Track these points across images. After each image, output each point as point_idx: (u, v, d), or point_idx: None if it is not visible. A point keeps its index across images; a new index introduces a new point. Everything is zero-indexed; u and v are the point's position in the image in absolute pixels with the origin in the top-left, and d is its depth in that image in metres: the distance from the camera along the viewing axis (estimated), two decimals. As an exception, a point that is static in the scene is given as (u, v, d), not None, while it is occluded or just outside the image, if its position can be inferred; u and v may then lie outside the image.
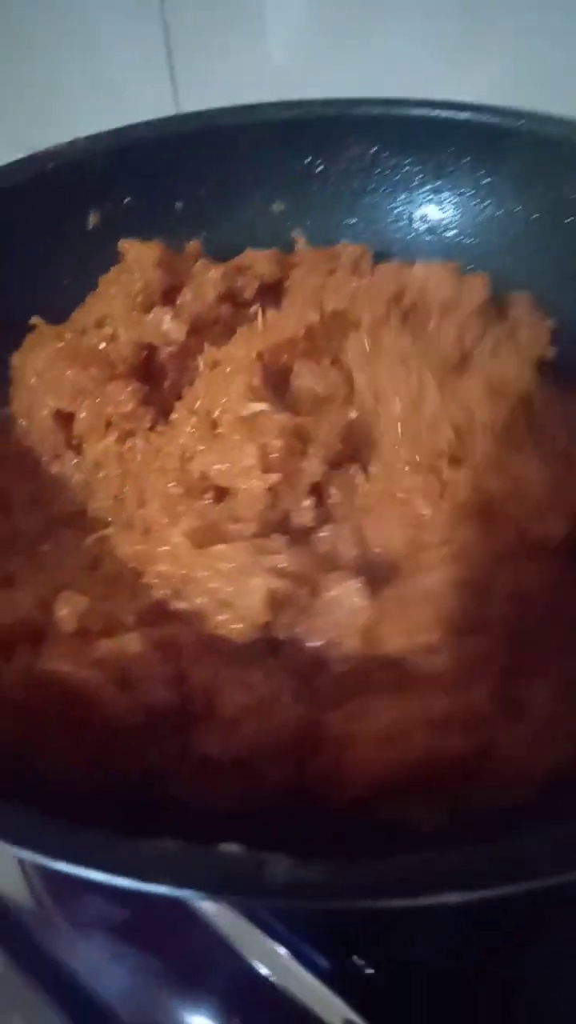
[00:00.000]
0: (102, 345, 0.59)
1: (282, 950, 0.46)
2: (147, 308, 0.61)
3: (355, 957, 0.45)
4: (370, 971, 0.44)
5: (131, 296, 0.61)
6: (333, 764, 0.38)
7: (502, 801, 0.37)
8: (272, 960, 0.46)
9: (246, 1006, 0.47)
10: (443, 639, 0.42)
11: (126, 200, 0.68)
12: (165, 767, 0.40)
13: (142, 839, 0.26)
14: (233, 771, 0.40)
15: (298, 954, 0.46)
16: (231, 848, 0.27)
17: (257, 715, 0.40)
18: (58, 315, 0.63)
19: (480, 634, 0.43)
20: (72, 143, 0.66)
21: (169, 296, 0.62)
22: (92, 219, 0.68)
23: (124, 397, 0.56)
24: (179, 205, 0.71)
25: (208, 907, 0.47)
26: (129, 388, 0.56)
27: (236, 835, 0.29)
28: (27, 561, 0.51)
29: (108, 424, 0.56)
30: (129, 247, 0.64)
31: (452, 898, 0.25)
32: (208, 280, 0.61)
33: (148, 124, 0.68)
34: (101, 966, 0.50)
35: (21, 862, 0.54)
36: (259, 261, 0.65)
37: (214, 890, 0.25)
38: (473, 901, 0.26)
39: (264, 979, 0.46)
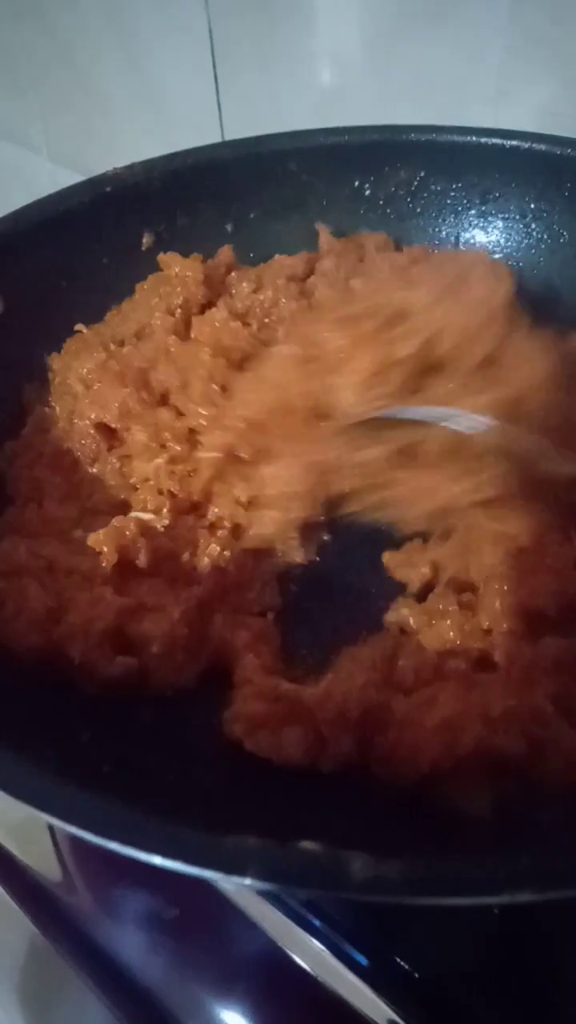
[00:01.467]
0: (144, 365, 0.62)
1: (321, 947, 0.47)
2: (186, 322, 0.65)
3: (398, 959, 0.46)
4: (416, 975, 0.45)
5: (171, 310, 0.65)
6: (392, 745, 0.40)
7: (554, 800, 0.38)
8: (312, 956, 0.47)
9: (284, 999, 0.48)
10: (517, 632, 0.44)
11: (179, 222, 0.71)
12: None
13: (226, 833, 0.27)
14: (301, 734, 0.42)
15: (337, 952, 0.47)
16: (310, 845, 0.28)
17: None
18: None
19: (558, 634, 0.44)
20: (129, 167, 0.68)
21: (205, 309, 0.66)
22: (146, 240, 0.70)
23: (178, 423, 0.59)
24: (229, 227, 0.73)
25: (247, 902, 0.49)
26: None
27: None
28: (62, 546, 0.53)
29: (163, 446, 0.58)
30: (171, 260, 0.67)
31: (525, 898, 0.26)
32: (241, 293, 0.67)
33: (201, 149, 0.71)
34: (141, 955, 0.51)
35: (60, 855, 0.56)
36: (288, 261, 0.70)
37: (296, 884, 0.26)
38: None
39: (304, 974, 0.47)
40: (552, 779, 0.39)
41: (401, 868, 0.26)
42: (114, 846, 0.28)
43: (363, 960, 0.46)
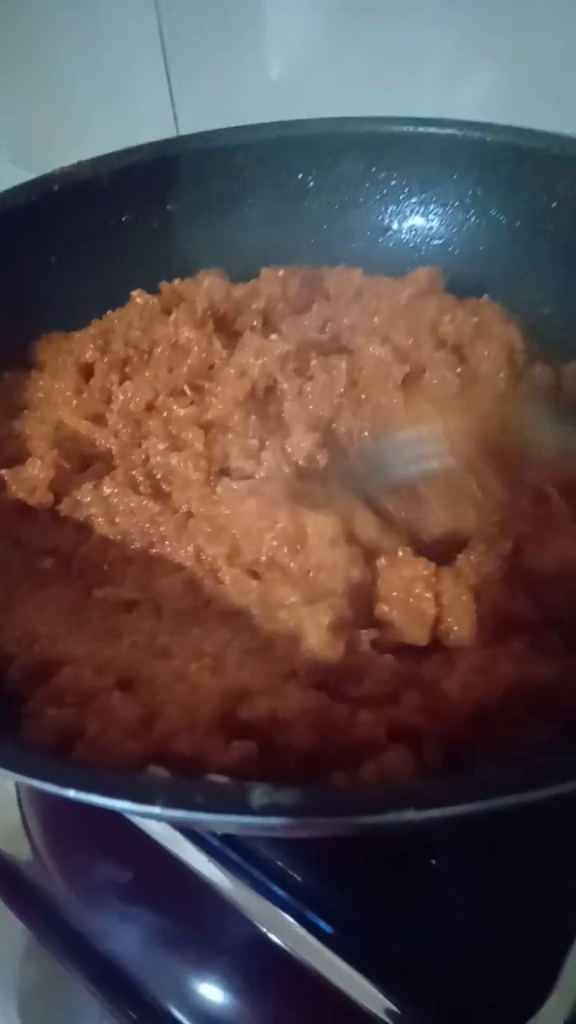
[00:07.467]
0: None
1: (288, 917, 0.49)
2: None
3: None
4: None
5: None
6: (431, 699, 0.42)
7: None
8: (281, 927, 0.49)
9: (255, 969, 0.50)
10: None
11: (124, 218, 0.73)
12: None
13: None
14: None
15: (302, 919, 0.49)
16: (217, 778, 0.30)
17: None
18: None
19: None
20: (77, 165, 0.70)
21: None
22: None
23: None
24: (171, 208, 0.75)
25: (215, 875, 0.51)
26: None
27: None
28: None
29: None
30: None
31: (407, 816, 0.28)
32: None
33: (149, 146, 0.73)
34: (112, 929, 0.53)
35: (28, 831, 0.58)
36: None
37: (200, 810, 0.29)
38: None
39: (274, 944, 0.49)
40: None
41: (296, 794, 0.28)
42: (36, 783, 0.30)
43: (328, 928, 0.49)
